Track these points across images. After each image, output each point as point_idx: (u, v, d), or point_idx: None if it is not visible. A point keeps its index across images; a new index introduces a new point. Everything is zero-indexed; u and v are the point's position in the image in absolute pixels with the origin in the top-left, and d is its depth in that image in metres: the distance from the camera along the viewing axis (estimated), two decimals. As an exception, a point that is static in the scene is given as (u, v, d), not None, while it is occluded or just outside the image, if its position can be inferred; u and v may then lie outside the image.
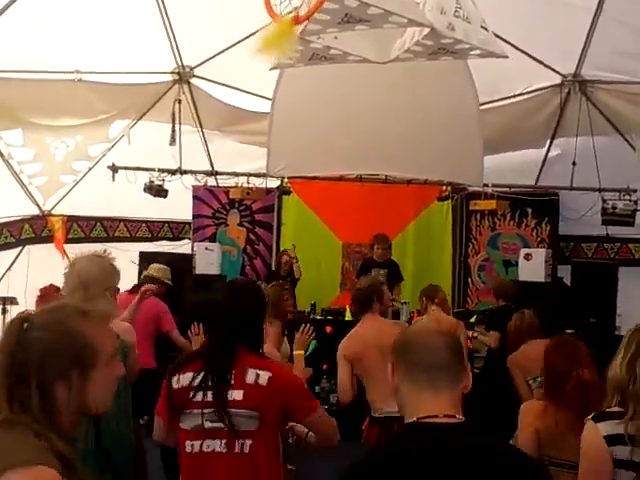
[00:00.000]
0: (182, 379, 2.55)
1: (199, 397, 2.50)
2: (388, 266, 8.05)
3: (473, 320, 7.41)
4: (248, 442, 2.45)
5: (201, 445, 2.47)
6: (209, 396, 2.48)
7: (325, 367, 7.14)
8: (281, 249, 8.97)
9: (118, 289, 3.31)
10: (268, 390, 2.47)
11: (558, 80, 6.97)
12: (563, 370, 3.20)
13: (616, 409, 2.30)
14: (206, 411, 2.46)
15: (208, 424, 2.46)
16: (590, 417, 2.33)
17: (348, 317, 7.54)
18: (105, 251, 3.11)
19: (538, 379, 4.60)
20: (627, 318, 7.17)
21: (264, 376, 2.49)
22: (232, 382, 2.47)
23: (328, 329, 7.34)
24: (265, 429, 2.47)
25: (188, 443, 2.49)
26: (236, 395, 2.46)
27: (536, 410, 3.25)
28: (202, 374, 2.53)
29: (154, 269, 6.49)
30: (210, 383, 2.50)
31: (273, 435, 2.53)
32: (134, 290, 6.15)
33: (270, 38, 2.91)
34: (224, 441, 2.45)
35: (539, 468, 1.73)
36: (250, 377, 2.48)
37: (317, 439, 2.74)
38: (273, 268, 8.89)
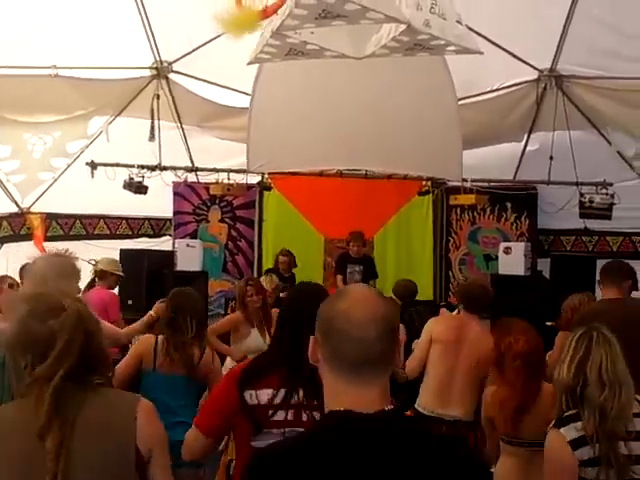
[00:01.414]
0: (259, 396, 2.36)
1: (280, 416, 2.35)
2: (364, 262, 8.12)
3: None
4: None
5: None
6: (290, 415, 2.35)
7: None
8: (263, 246, 8.99)
9: (79, 289, 3.27)
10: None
11: (535, 75, 7.03)
12: (502, 344, 3.29)
13: (573, 412, 2.36)
14: (287, 430, 2.32)
15: None
16: (552, 424, 2.39)
17: (330, 312, 7.57)
18: (67, 251, 3.08)
19: None
20: (605, 310, 7.27)
21: None
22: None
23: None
24: None
25: None
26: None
27: (487, 395, 3.36)
28: (284, 390, 2.36)
29: (103, 263, 6.49)
30: (294, 400, 2.35)
31: None
32: (89, 287, 6.24)
33: (232, 23, 2.93)
34: None
35: (472, 463, 1.51)
36: None
37: None
38: (254, 263, 8.92)
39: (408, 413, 4.45)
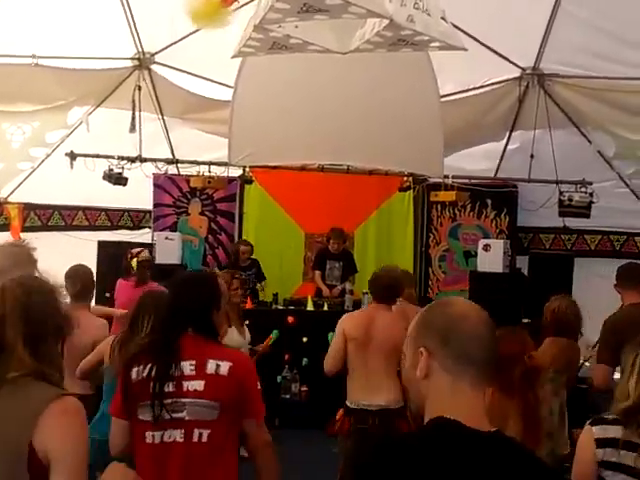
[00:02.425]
0: (136, 372, 2.53)
1: (157, 388, 2.48)
2: (343, 258, 8.14)
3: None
4: (206, 432, 2.46)
5: (162, 436, 2.46)
6: (171, 387, 2.47)
7: (287, 357, 7.18)
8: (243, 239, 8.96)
9: None
10: (228, 380, 2.49)
11: (517, 73, 7.07)
12: (508, 356, 3.29)
13: (613, 416, 2.37)
14: (166, 402, 2.45)
15: (166, 415, 2.45)
16: (589, 422, 2.41)
17: (310, 307, 7.58)
18: (24, 240, 3.05)
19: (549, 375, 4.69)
20: (582, 308, 7.32)
21: (225, 366, 2.50)
22: (193, 372, 2.48)
23: (290, 319, 7.37)
24: (224, 419, 2.49)
25: (149, 434, 2.48)
26: (197, 385, 2.46)
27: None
28: (150, 365, 2.51)
29: (147, 253, 6.66)
30: (168, 373, 2.49)
31: (232, 424, 2.54)
32: (143, 283, 6.18)
33: (199, 15, 2.94)
34: (182, 431, 2.45)
35: None
36: (211, 367, 2.49)
37: (247, 448, 2.67)
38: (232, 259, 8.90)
39: (340, 411, 4.58)
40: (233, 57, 3.71)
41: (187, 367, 2.49)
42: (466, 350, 1.48)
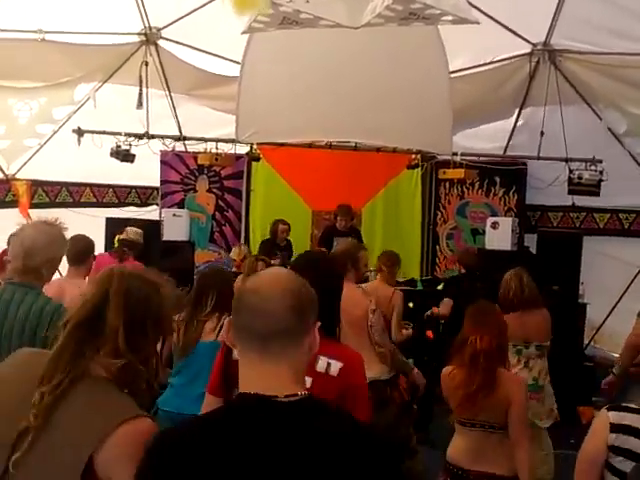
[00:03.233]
0: None
1: None
2: (350, 235, 8.09)
3: (440, 287, 7.50)
4: None
5: None
6: None
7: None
8: (251, 216, 8.94)
9: (60, 258, 3.22)
10: (337, 381, 2.32)
11: (528, 49, 6.98)
12: (466, 335, 3.32)
13: (633, 405, 2.36)
14: None
15: None
16: (606, 407, 2.40)
17: (317, 284, 7.58)
18: (57, 220, 3.03)
19: (517, 346, 4.73)
20: (590, 286, 7.34)
21: (335, 366, 2.33)
22: None
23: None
24: None
25: None
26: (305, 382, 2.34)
27: (445, 375, 3.40)
28: None
29: (132, 232, 6.50)
30: None
31: None
32: (122, 260, 6.18)
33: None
34: None
35: (386, 456, 1.44)
36: (321, 365, 2.33)
37: None
38: (242, 234, 8.89)
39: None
40: (243, 33, 3.68)
41: None
42: (246, 323, 1.47)
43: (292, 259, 7.91)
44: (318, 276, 2.38)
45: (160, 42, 7.32)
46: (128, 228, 6.64)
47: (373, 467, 1.39)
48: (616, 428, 2.30)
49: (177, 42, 7.32)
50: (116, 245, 6.55)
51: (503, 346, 3.39)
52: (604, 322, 8.00)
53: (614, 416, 2.33)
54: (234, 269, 7.16)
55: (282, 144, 8.38)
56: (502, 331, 3.37)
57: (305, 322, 1.48)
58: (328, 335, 2.37)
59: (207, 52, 7.39)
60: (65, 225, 3.03)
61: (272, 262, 5.56)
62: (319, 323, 1.52)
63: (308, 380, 2.34)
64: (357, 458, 1.38)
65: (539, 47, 6.89)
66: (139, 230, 6.68)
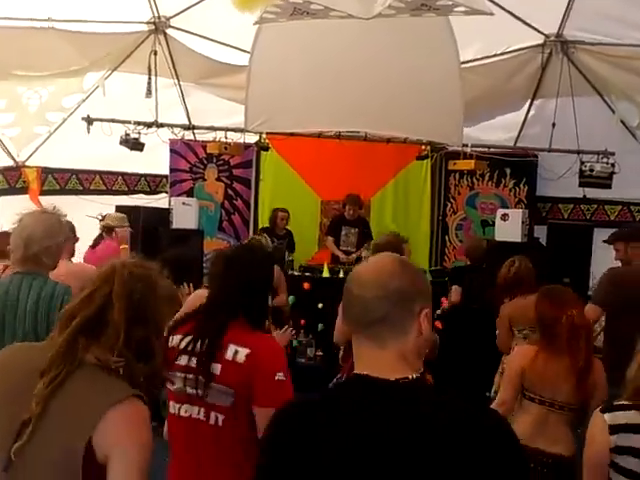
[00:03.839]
0: (174, 339, 2.50)
1: (183, 361, 2.45)
2: (359, 224, 8.08)
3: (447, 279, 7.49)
4: (221, 417, 2.40)
5: (179, 409, 2.46)
6: (193, 362, 2.43)
7: (303, 322, 7.23)
8: (260, 206, 8.94)
9: (64, 244, 3.23)
10: (244, 368, 2.37)
11: (540, 40, 6.91)
12: (554, 315, 3.31)
13: (624, 402, 2.37)
14: (189, 376, 2.41)
15: (188, 390, 2.42)
16: (599, 409, 2.41)
17: (326, 274, 7.58)
18: (54, 207, 3.05)
19: (524, 331, 4.72)
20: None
21: (242, 353, 2.38)
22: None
23: (305, 285, 7.39)
24: (239, 406, 2.39)
25: (172, 404, 2.49)
26: (215, 369, 2.40)
27: (526, 353, 3.45)
28: (190, 337, 2.46)
29: (111, 218, 6.55)
30: (197, 349, 2.43)
31: (246, 412, 2.41)
32: (95, 245, 6.25)
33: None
34: (202, 410, 2.42)
35: (504, 438, 1.42)
36: (229, 353, 2.40)
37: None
38: (250, 223, 8.88)
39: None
40: (255, 24, 3.65)
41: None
42: (348, 309, 1.55)
43: (291, 247, 7.96)
44: (245, 268, 2.55)
45: (169, 31, 7.30)
46: (107, 213, 6.70)
47: (495, 449, 1.37)
48: (615, 429, 2.30)
49: (186, 31, 7.30)
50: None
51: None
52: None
53: (610, 417, 2.32)
54: None
55: (291, 134, 8.35)
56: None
57: (407, 309, 1.50)
58: (254, 326, 2.49)
59: (216, 41, 7.37)
60: (63, 212, 3.07)
61: None
62: (426, 310, 1.54)
63: (218, 367, 2.40)
64: (474, 439, 1.37)
65: (552, 38, 6.83)
66: (119, 215, 6.75)
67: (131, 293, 1.80)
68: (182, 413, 2.46)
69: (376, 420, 1.40)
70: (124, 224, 6.59)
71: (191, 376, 2.41)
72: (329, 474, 1.40)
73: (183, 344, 2.47)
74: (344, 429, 1.41)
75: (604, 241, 5.28)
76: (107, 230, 6.41)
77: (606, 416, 2.33)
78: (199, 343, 2.45)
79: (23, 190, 8.20)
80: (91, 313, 1.77)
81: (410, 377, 1.47)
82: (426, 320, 1.53)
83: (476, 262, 6.70)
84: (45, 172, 8.38)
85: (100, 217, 6.61)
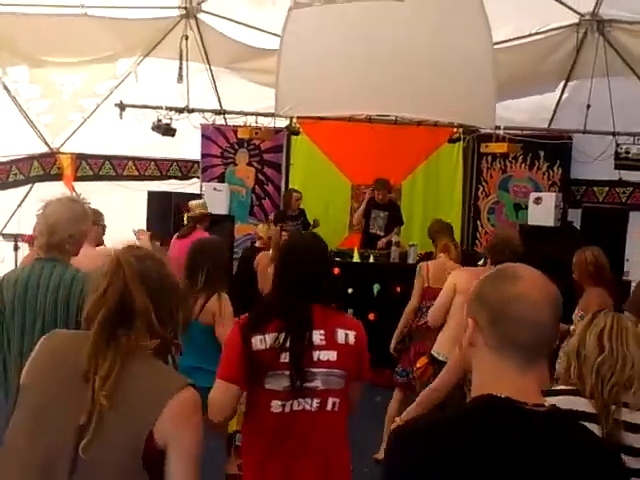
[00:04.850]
0: (267, 339, 2.46)
1: (285, 358, 2.44)
2: (389, 208, 8.03)
3: (481, 263, 7.41)
4: (337, 401, 2.49)
5: (288, 405, 2.45)
6: (287, 358, 2.44)
7: (333, 307, 7.24)
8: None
9: (88, 232, 3.26)
10: (355, 349, 2.52)
11: (575, 19, 6.77)
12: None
13: (560, 387, 2.35)
14: (286, 372, 2.43)
15: (297, 384, 2.43)
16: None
17: (356, 258, 7.55)
18: (80, 195, 3.09)
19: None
20: (636, 263, 7.17)
21: (351, 335, 2.52)
22: (324, 342, 2.47)
23: (336, 270, 7.37)
24: (346, 386, 2.53)
25: (275, 403, 2.45)
26: (330, 356, 2.47)
27: None
28: (283, 334, 2.45)
29: (194, 206, 6.52)
30: (297, 344, 2.45)
31: (347, 391, 2.57)
32: (185, 234, 6.24)
33: None
34: (316, 400, 2.46)
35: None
36: (340, 337, 2.51)
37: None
38: (281, 207, 8.91)
39: (423, 359, 4.55)
40: (291, 9, 3.63)
41: (317, 337, 2.47)
42: (513, 334, 1.40)
43: (310, 227, 7.94)
44: (321, 254, 2.65)
45: (200, 15, 7.33)
46: (191, 202, 6.68)
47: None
48: None
49: (217, 15, 7.31)
50: (185, 223, 6.62)
51: None
52: None
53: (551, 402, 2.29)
54: (258, 244, 7.14)
55: (321, 118, 8.32)
56: None
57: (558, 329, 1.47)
58: (332, 307, 2.60)
59: (247, 25, 7.37)
60: (88, 201, 3.11)
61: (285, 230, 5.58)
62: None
63: (334, 354, 2.44)
64: (603, 474, 1.40)
65: (587, 17, 6.69)
66: (200, 201, 6.72)
67: (145, 275, 1.81)
68: (294, 408, 2.46)
69: (521, 451, 1.35)
70: (207, 209, 6.60)
71: (285, 373, 2.43)
72: None
73: (278, 342, 2.44)
74: (481, 458, 1.33)
75: None
76: (199, 219, 6.42)
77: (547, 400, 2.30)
78: (297, 337, 2.45)
79: (58, 176, 8.35)
80: (112, 306, 1.76)
81: (546, 404, 1.43)
82: None
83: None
84: (79, 158, 8.52)
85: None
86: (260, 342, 2.45)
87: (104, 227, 4.81)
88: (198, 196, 8.19)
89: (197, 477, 1.75)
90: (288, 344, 2.43)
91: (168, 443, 1.70)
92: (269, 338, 2.45)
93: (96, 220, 4.22)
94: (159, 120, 7.66)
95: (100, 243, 4.72)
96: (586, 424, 2.18)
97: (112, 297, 1.77)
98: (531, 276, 1.46)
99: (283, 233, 5.42)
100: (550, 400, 2.26)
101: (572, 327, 4.36)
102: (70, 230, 2.96)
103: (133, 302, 1.76)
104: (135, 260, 1.82)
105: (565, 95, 7.83)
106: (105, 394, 1.67)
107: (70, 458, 1.67)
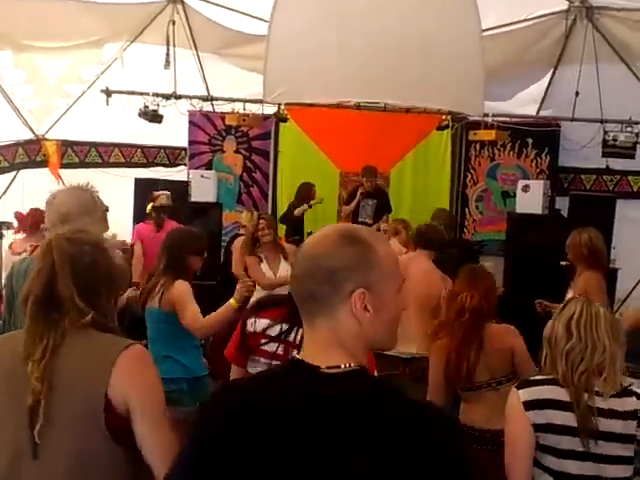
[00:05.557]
0: (259, 323, 2.46)
1: (272, 348, 2.41)
2: (377, 196, 8.03)
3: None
4: None
5: None
6: (280, 349, 2.40)
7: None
8: (279, 178, 8.90)
9: (95, 222, 3.25)
10: None
11: (564, 6, 6.76)
12: (457, 294, 3.32)
13: (538, 377, 2.37)
14: (274, 363, 2.38)
15: None
16: (515, 385, 2.42)
17: (344, 246, 7.55)
18: (88, 184, 3.04)
19: None
20: (623, 250, 7.20)
21: None
22: None
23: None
24: None
25: None
26: None
27: (440, 344, 3.39)
28: (281, 325, 2.40)
29: (163, 198, 6.72)
30: (292, 338, 2.38)
31: None
32: (150, 220, 6.35)
33: None
34: None
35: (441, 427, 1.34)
36: None
37: None
38: (269, 195, 8.89)
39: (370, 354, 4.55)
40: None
41: None
42: (294, 288, 1.42)
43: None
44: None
45: (187, 0, 7.24)
46: (158, 193, 6.72)
47: (436, 442, 1.29)
48: (530, 405, 2.27)
49: (204, 0, 7.23)
50: (149, 212, 6.75)
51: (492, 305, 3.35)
52: (634, 287, 7.88)
53: (524, 394, 2.30)
54: (242, 231, 7.08)
55: (310, 105, 8.27)
56: (491, 294, 3.35)
57: (339, 288, 1.34)
58: None
59: (235, 10, 7.29)
60: (96, 189, 3.05)
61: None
62: (362, 290, 1.35)
63: None
64: (415, 432, 1.29)
65: (576, 4, 6.68)
66: (167, 192, 6.82)
67: (75, 259, 1.80)
68: None
69: (303, 412, 1.31)
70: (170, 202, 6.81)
71: (276, 363, 2.36)
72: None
73: (274, 332, 2.41)
74: (267, 423, 1.31)
75: None
76: (165, 210, 6.57)
77: (520, 392, 2.31)
78: (293, 333, 2.39)
79: (43, 163, 8.25)
80: (39, 289, 1.78)
81: (343, 366, 1.34)
82: (359, 302, 1.34)
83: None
84: (65, 145, 8.42)
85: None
86: (250, 325, 2.47)
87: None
88: (185, 183, 8.17)
89: (168, 434, 1.72)
90: (279, 335, 2.40)
91: (129, 406, 1.69)
92: (260, 323, 2.45)
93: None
94: (146, 106, 7.57)
95: (106, 229, 4.73)
96: (562, 412, 2.23)
97: (40, 281, 1.79)
98: (320, 232, 1.45)
99: (260, 221, 5.41)
100: (531, 390, 2.28)
101: None
102: (83, 219, 2.88)
103: (58, 288, 1.77)
104: (68, 244, 1.82)
105: (553, 82, 7.82)
106: (37, 376, 1.67)
107: (31, 446, 1.67)
